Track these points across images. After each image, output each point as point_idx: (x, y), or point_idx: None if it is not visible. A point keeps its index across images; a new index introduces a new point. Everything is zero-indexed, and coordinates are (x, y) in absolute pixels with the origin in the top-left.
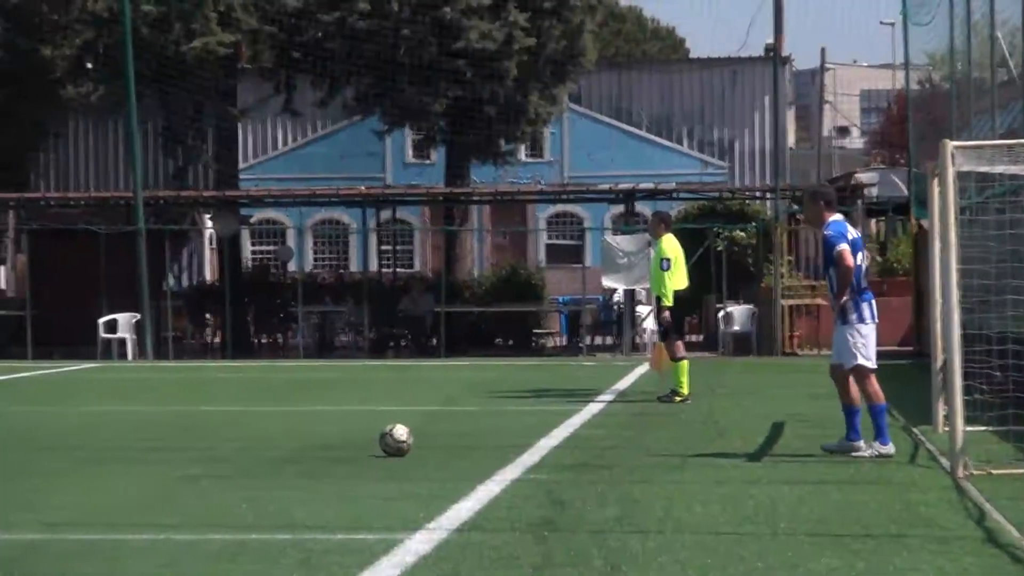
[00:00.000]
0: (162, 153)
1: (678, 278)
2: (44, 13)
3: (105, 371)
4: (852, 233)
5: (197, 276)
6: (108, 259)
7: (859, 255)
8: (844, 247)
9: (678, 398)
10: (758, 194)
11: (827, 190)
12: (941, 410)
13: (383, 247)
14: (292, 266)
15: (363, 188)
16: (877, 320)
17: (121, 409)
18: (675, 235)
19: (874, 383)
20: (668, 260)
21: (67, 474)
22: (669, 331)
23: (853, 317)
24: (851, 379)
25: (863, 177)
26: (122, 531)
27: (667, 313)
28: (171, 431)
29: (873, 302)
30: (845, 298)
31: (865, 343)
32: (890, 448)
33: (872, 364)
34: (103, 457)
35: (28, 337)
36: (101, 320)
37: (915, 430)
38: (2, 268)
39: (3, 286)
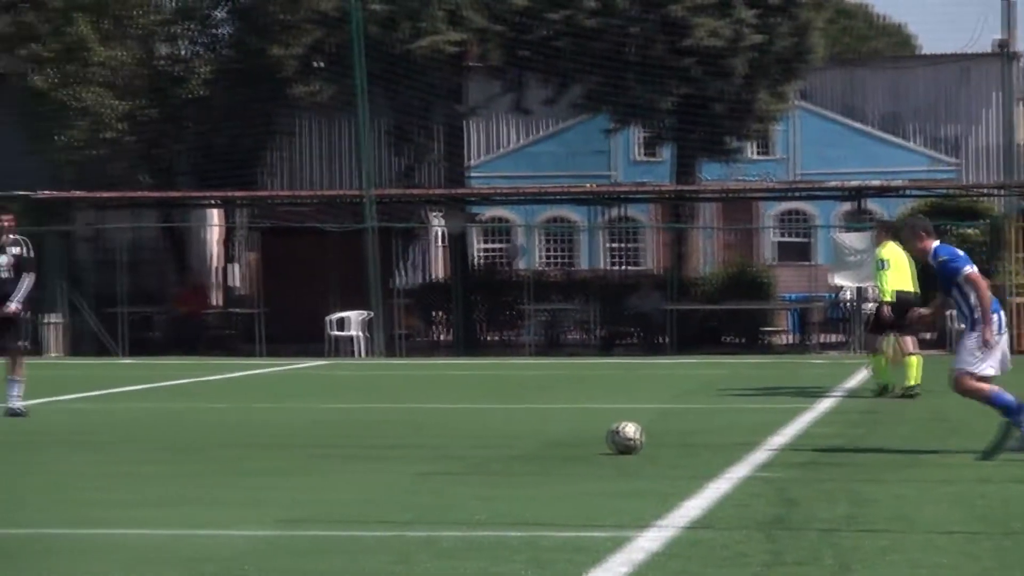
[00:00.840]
0: (391, 151)
1: (899, 277)
2: (273, 13)
3: (336, 368)
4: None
5: (426, 274)
6: (337, 257)
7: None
8: (971, 270)
9: (886, 391)
10: (988, 191)
11: (922, 221)
12: None
13: (611, 244)
14: (521, 263)
15: (591, 186)
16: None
17: (353, 406)
18: None
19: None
20: (884, 261)
21: (301, 471)
22: (883, 325)
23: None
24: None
25: None
26: (356, 528)
27: (886, 308)
28: (404, 428)
29: (1000, 313)
30: (986, 328)
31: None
32: None
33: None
34: (335, 454)
35: (259, 334)
36: (330, 317)
37: None
38: (234, 266)
39: (235, 284)
